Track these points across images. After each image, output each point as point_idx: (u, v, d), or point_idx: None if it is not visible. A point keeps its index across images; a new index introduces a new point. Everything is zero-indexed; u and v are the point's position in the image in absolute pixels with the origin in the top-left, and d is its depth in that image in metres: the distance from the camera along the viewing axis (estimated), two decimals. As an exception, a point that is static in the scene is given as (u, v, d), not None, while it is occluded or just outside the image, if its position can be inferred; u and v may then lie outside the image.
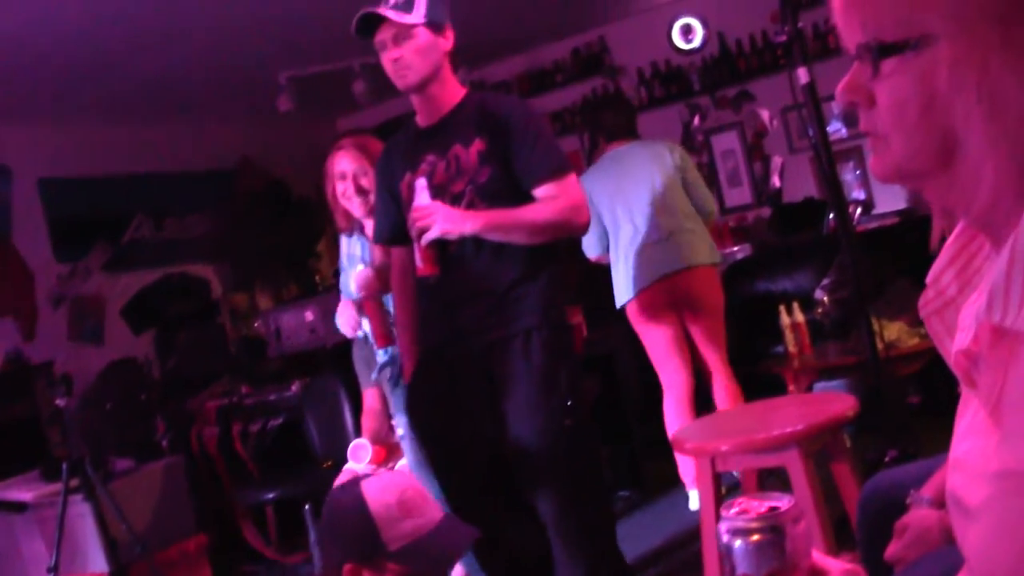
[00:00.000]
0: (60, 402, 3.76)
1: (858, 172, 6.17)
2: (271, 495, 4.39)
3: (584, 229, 2.70)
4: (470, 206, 2.58)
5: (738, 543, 0.97)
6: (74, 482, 3.58)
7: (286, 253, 7.07)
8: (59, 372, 5.46)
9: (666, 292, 4.00)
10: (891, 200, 5.79)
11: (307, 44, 5.40)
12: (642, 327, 4.11)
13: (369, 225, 3.09)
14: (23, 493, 4.38)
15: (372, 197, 3.01)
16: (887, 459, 2.91)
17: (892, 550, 1.77)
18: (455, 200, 2.59)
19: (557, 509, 2.58)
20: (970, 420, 0.83)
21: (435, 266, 2.60)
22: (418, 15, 2.57)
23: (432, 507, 1.73)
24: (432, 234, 2.53)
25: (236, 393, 5.27)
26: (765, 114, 6.52)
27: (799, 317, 4.26)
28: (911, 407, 4.59)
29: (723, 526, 0.98)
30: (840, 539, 2.77)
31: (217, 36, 5.12)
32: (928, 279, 0.89)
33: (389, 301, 3.03)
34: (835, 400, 2.95)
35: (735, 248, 6.01)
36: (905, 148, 0.81)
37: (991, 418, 0.76)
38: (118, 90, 5.67)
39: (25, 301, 5.98)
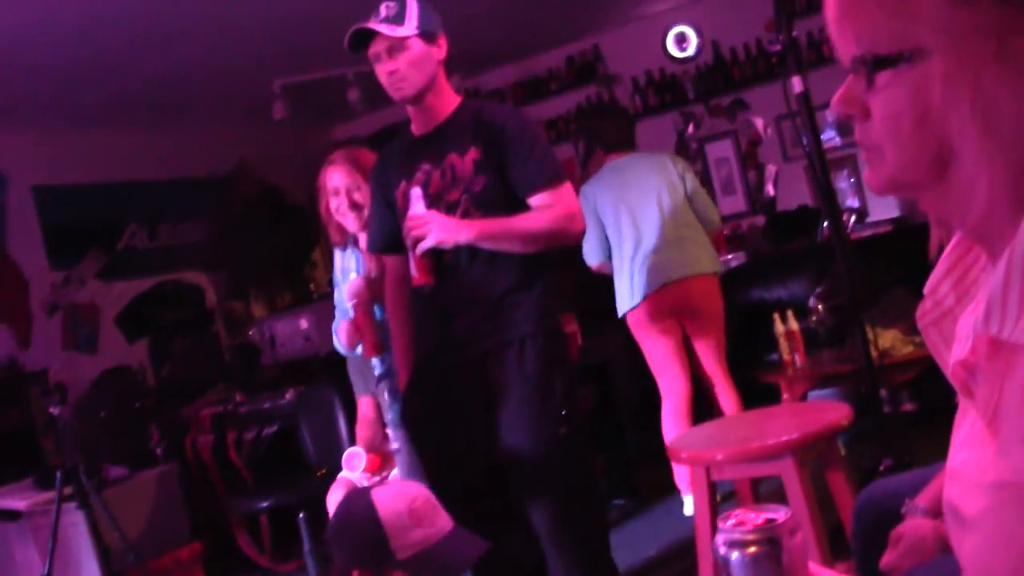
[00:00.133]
0: (54, 410, 3.75)
1: (852, 180, 6.18)
2: (265, 503, 4.39)
3: (579, 238, 2.70)
4: (465, 215, 2.58)
5: (735, 555, 0.97)
6: (68, 490, 3.56)
7: (281, 261, 7.06)
8: (53, 380, 5.44)
9: (668, 300, 4.03)
10: (885, 208, 5.81)
11: (301, 52, 5.40)
12: (643, 335, 4.12)
13: (363, 239, 3.09)
14: (17, 501, 4.37)
15: (366, 211, 3.00)
16: (882, 468, 2.90)
17: (887, 559, 1.77)
18: (450, 209, 2.59)
19: (551, 518, 2.58)
20: (967, 431, 0.83)
21: (430, 275, 2.59)
22: (410, 27, 2.56)
23: (442, 517, 1.73)
24: (427, 243, 2.53)
25: (230, 401, 5.26)
26: (759, 122, 6.53)
27: (793, 325, 4.27)
28: (906, 415, 4.60)
29: (720, 538, 0.99)
30: (835, 548, 2.76)
31: (212, 42, 5.12)
32: (926, 289, 0.89)
33: (379, 311, 3.03)
34: (830, 408, 2.95)
35: (729, 256, 6.01)
36: (899, 160, 0.81)
37: (988, 429, 0.77)
38: (112, 96, 5.67)
39: (19, 309, 5.96)
